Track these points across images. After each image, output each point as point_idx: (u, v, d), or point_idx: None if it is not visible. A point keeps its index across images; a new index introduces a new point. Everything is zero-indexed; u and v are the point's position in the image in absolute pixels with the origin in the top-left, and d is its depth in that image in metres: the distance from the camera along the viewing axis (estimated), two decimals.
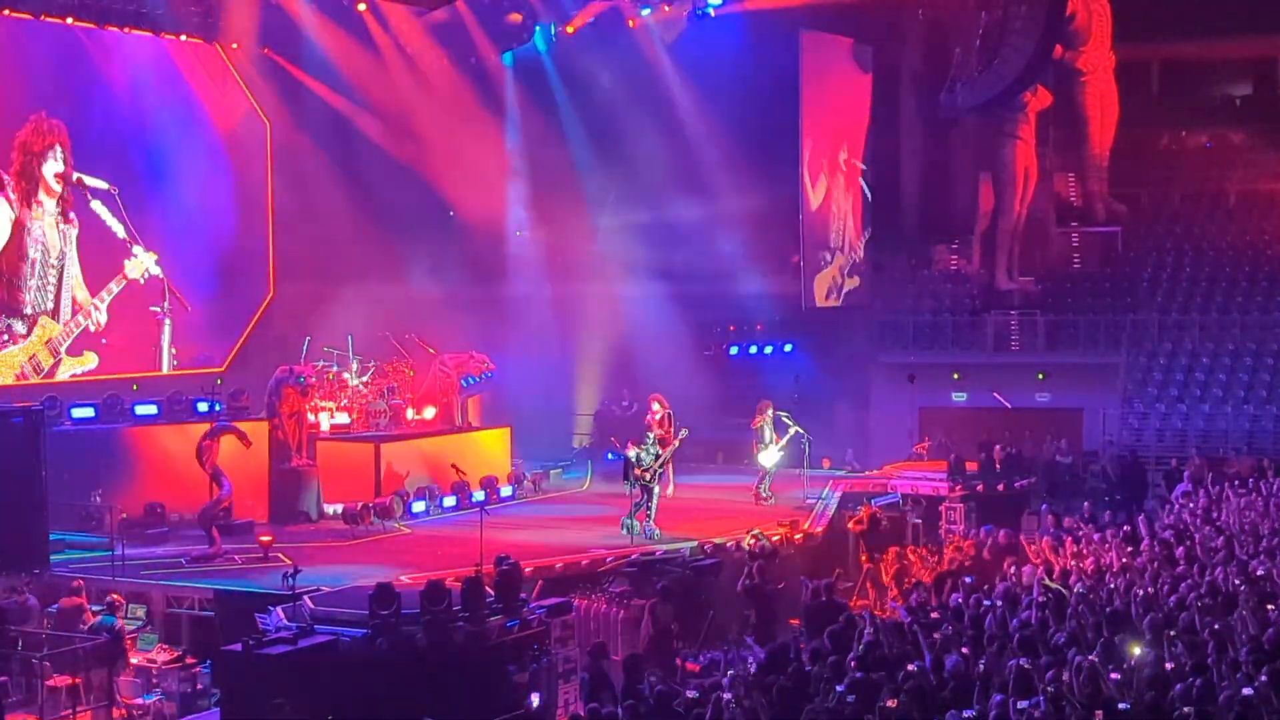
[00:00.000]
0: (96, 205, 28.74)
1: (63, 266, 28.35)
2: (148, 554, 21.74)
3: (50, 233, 28.11)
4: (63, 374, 28.13)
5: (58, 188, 28.13)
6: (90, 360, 28.69)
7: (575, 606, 18.76)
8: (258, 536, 22.41)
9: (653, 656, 17.07)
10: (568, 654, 17.19)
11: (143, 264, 29.40)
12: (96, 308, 28.82)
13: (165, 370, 29.76)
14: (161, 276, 29.50)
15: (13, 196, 27.39)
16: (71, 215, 28.45)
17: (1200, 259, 37.68)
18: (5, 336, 27.46)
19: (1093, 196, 38.51)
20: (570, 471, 30.90)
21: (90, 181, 28.62)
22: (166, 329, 29.68)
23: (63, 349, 28.32)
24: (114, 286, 29.08)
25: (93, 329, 28.83)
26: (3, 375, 27.17)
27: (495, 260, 34.72)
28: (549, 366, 34.62)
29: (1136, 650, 13.75)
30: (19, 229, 27.62)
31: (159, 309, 29.53)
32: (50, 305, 28.20)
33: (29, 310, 27.95)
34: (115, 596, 18.68)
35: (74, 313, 28.55)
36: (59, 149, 28.11)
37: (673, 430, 24.79)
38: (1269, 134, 38.25)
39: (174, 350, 29.88)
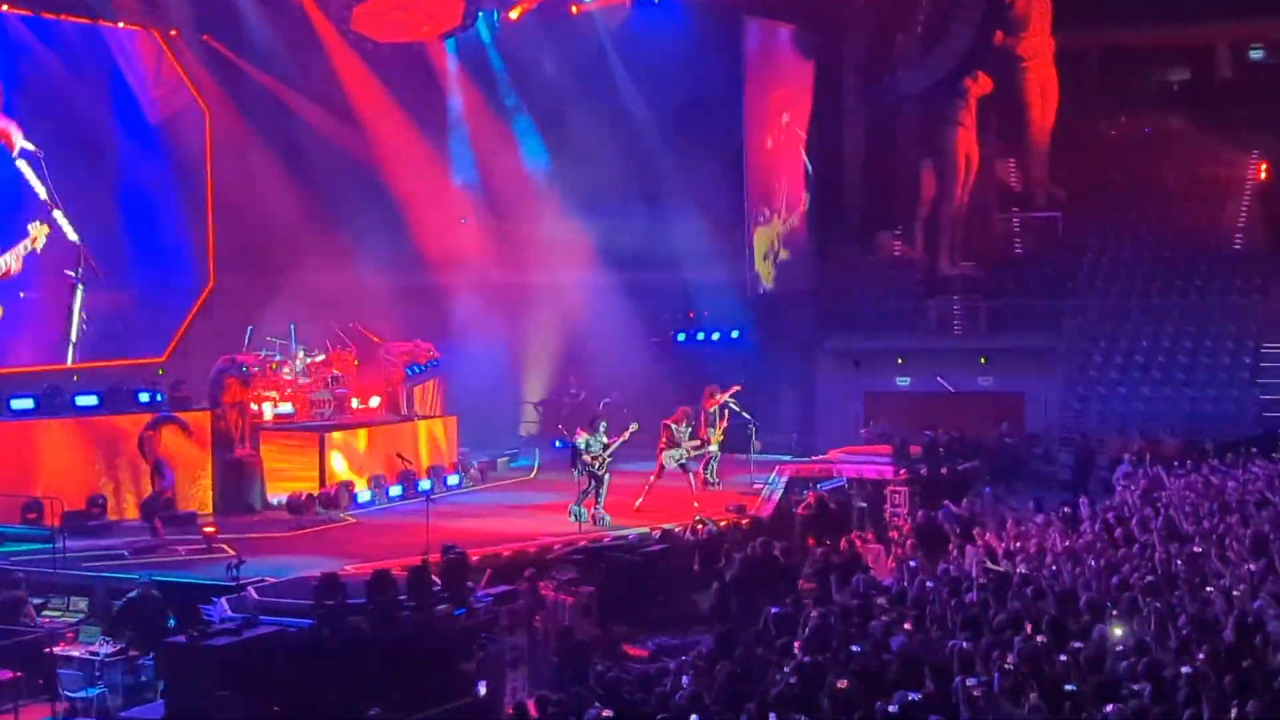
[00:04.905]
0: (21, 164, 28.23)
1: None
2: (89, 546, 21.57)
3: None
4: None
5: None
6: None
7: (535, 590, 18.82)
8: (201, 527, 22.27)
9: None
10: (515, 642, 17.16)
11: (44, 230, 28.74)
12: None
13: (74, 337, 29.07)
14: (79, 242, 28.89)
15: None
16: None
17: (1139, 244, 37.98)
18: None
19: (1033, 182, 38.76)
20: (517, 460, 30.86)
21: (19, 141, 28.09)
22: (78, 296, 28.91)
23: None
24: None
25: None
26: None
27: (440, 248, 34.60)
28: (496, 355, 34.57)
29: (1118, 631, 13.86)
30: None
31: (72, 273, 28.90)
32: None
33: None
34: None
35: None
36: None
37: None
38: (1207, 120, 38.55)
39: (84, 315, 29.19)
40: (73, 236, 28.90)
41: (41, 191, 28.53)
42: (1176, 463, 25.79)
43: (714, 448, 26.91)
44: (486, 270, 34.91)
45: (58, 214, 28.71)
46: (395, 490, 25.99)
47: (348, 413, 28.21)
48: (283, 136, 32.52)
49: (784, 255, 36.66)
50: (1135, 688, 12.02)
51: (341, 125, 33.16)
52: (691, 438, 25.81)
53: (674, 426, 25.34)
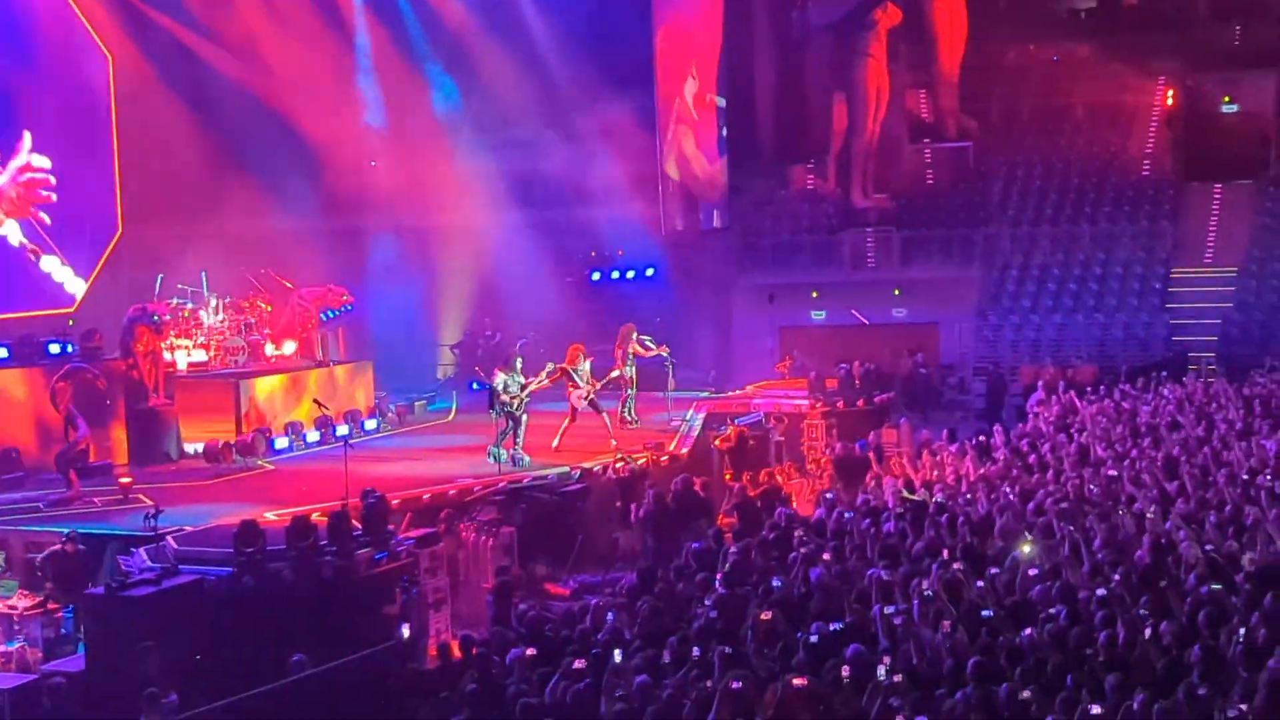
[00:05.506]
0: None
1: None
2: (4, 500, 21.32)
3: None
4: None
5: None
6: None
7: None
8: (117, 478, 22.06)
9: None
10: (437, 584, 17.18)
11: None
12: None
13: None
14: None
15: None
16: None
17: (1050, 172, 38.31)
18: None
19: (944, 113, 38.94)
20: (435, 403, 30.77)
21: None
22: None
23: None
24: None
25: None
26: None
27: (350, 192, 34.25)
28: (410, 298, 34.38)
29: (1026, 549, 14.09)
30: None
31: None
32: None
33: None
34: None
35: None
36: None
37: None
38: (1113, 46, 38.87)
39: None
40: (74, 287, 27.60)
41: (13, 232, 27.29)
42: (1089, 388, 26.16)
43: (621, 370, 26.79)
44: (398, 212, 34.63)
45: (50, 263, 27.74)
46: (313, 436, 25.84)
47: (262, 360, 27.98)
48: (189, 81, 31.99)
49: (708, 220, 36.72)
50: (1051, 611, 12.22)
51: (249, 68, 32.67)
52: (593, 373, 25.58)
53: (570, 369, 25.18)
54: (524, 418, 23.50)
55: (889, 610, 12.04)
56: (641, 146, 34.38)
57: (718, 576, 14.28)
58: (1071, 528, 14.72)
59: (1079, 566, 13.72)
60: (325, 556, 16.06)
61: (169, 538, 17.35)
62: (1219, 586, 12.50)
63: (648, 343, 27.14)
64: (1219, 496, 16.45)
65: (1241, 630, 11.18)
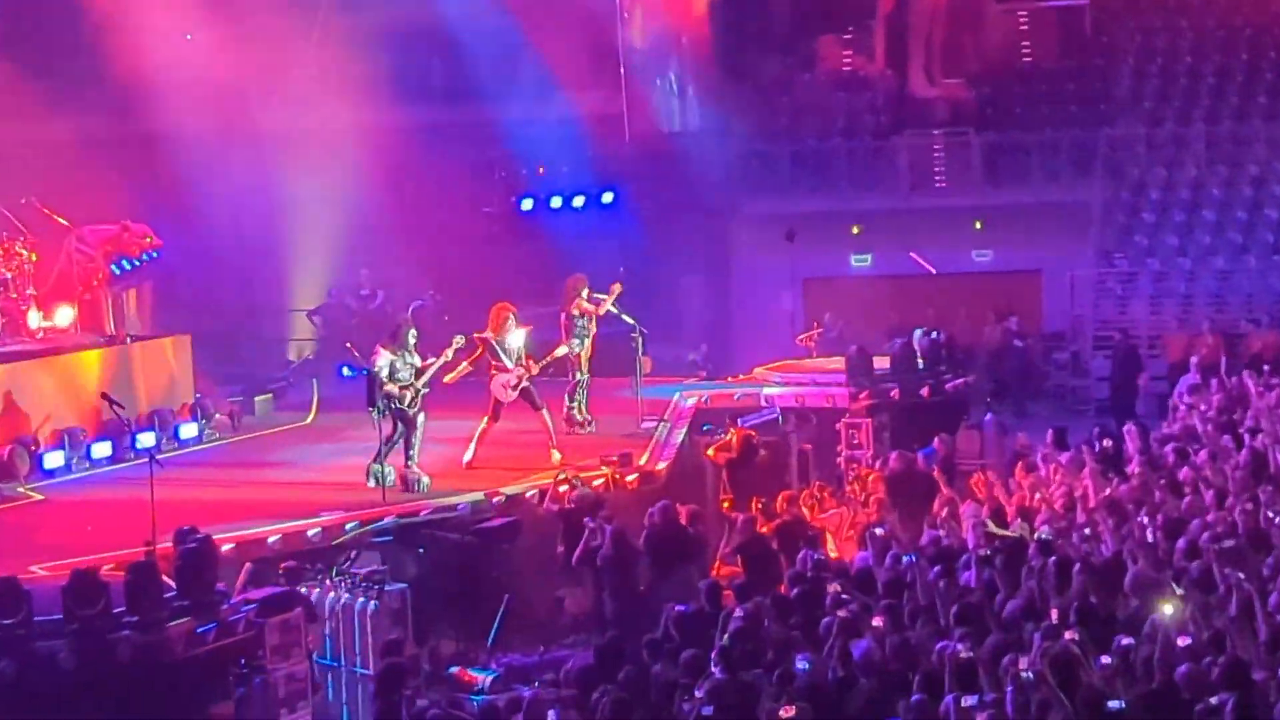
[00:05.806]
0: None
1: None
2: None
3: None
4: None
5: None
6: None
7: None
8: None
9: None
10: (292, 670, 17.19)
11: None
12: None
13: None
14: None
15: None
16: None
17: (1203, 44, 38.36)
18: None
19: None
20: (284, 397, 30.79)
21: None
22: None
23: None
24: None
25: None
26: None
27: (156, 80, 34.14)
28: (246, 240, 34.30)
29: (1172, 608, 14.13)
30: None
31: None
32: None
33: None
34: None
35: None
36: None
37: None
38: None
39: None
40: None
41: None
42: (1266, 367, 26.25)
43: (568, 346, 26.81)
44: (228, 111, 34.51)
45: None
46: (101, 449, 25.82)
47: (24, 335, 27.92)
48: None
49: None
50: (1212, 702, 12.28)
51: None
52: (527, 349, 25.32)
53: (492, 340, 25.05)
54: (420, 419, 23.45)
55: (969, 702, 12.10)
56: (594, 6, 34.41)
57: (713, 654, 14.32)
58: (1241, 575, 14.79)
59: (1252, 634, 13.80)
60: (123, 630, 16.06)
61: None
62: None
63: (605, 301, 27.02)
64: None
65: None
